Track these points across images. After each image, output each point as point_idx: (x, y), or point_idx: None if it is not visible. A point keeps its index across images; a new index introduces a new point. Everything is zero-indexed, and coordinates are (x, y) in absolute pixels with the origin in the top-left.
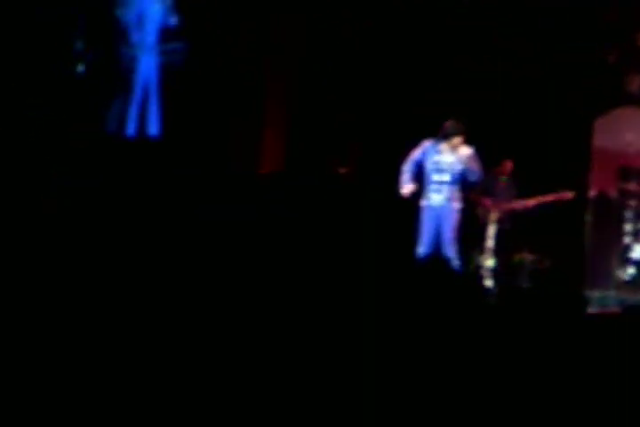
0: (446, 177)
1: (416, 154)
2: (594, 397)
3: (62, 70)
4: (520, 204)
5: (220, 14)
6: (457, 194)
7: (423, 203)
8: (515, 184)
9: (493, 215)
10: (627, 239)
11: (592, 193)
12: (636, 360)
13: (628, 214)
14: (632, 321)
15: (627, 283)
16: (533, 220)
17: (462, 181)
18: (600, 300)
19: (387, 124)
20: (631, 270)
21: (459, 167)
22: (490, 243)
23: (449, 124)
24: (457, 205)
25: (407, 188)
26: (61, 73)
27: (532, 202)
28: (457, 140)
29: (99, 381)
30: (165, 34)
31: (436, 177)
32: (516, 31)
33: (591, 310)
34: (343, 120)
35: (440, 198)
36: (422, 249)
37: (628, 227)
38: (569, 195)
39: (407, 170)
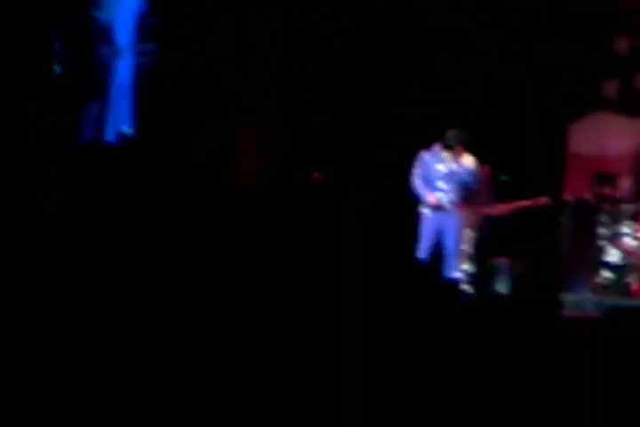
0: (450, 185)
1: (418, 168)
2: (570, 397)
3: (40, 71)
4: (496, 209)
5: (196, 15)
6: (461, 203)
7: (424, 211)
8: (491, 189)
9: (470, 220)
10: (602, 243)
11: (568, 198)
12: (613, 363)
13: (604, 218)
14: (610, 324)
15: (603, 286)
16: (509, 225)
17: (465, 189)
18: (576, 303)
19: (366, 125)
20: (607, 274)
21: (463, 175)
22: (466, 248)
23: (452, 133)
24: (461, 214)
25: (433, 196)
26: (39, 74)
27: (508, 207)
28: (459, 148)
29: (91, 380)
30: (141, 35)
31: (440, 185)
32: (494, 32)
33: (568, 313)
34: (322, 121)
35: (444, 207)
36: (421, 256)
37: (603, 231)
38: (545, 200)
39: (420, 185)
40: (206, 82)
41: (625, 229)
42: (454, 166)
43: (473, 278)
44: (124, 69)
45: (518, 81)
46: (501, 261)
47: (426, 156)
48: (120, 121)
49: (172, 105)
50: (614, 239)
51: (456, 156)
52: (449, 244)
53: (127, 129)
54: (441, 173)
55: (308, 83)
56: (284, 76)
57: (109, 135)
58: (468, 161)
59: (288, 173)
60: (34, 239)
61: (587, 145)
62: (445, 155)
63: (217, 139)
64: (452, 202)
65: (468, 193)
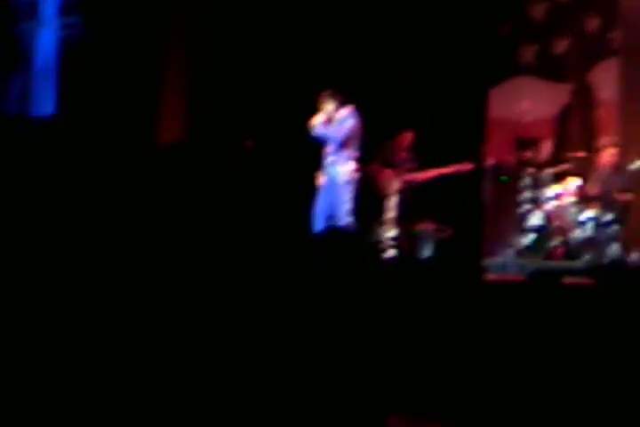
0: (332, 147)
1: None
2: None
3: None
4: (420, 175)
5: None
6: (347, 163)
7: (320, 178)
8: (414, 155)
9: (394, 186)
10: (525, 207)
11: (490, 163)
12: (536, 324)
13: (526, 182)
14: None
15: (526, 249)
16: (433, 190)
17: (341, 148)
18: (500, 266)
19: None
20: (530, 237)
21: (340, 134)
22: (391, 214)
23: (324, 95)
24: (349, 175)
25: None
26: None
27: (431, 173)
28: (327, 107)
29: (86, 380)
30: (65, 8)
31: (327, 149)
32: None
33: (491, 276)
34: (248, 88)
35: (333, 171)
36: (319, 224)
37: (526, 195)
38: (467, 166)
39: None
40: (126, 53)
41: (547, 193)
42: (332, 127)
43: (397, 243)
44: (47, 43)
45: (434, 51)
46: (425, 227)
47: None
48: (44, 94)
49: (96, 75)
50: (537, 203)
51: (333, 117)
52: (340, 204)
53: (51, 102)
54: (325, 137)
55: (231, 48)
56: (207, 43)
57: (33, 109)
58: (341, 115)
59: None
60: None
61: (507, 110)
62: (322, 118)
63: (139, 110)
64: (339, 165)
65: (348, 149)
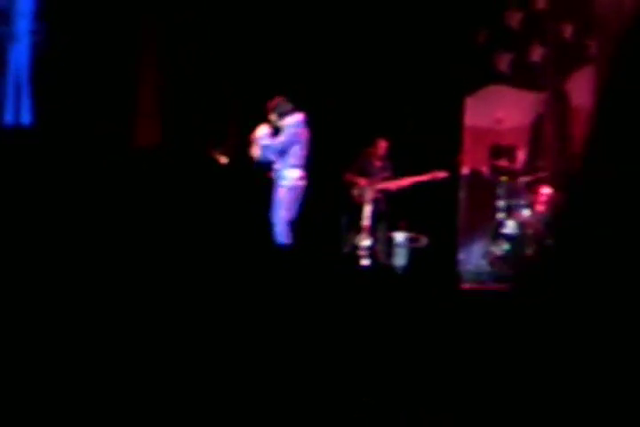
0: (276, 155)
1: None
2: (468, 368)
3: None
4: (395, 183)
5: None
6: (291, 171)
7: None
8: (389, 163)
9: (369, 195)
10: (500, 215)
11: (465, 171)
12: (511, 333)
13: (501, 191)
14: (507, 295)
15: (500, 258)
16: (408, 199)
17: (287, 156)
18: (474, 275)
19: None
20: (505, 246)
21: (282, 140)
22: (366, 222)
23: (278, 102)
24: (296, 182)
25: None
26: None
27: (406, 182)
28: (274, 117)
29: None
30: (36, 14)
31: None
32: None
33: (466, 285)
34: (220, 98)
35: (283, 180)
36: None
37: (500, 203)
38: (442, 174)
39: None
40: (98, 60)
41: (521, 201)
42: (282, 136)
43: (372, 252)
44: (20, 52)
45: (412, 55)
46: (400, 235)
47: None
48: (20, 103)
49: (70, 82)
50: (511, 211)
51: (279, 125)
52: (282, 211)
53: (27, 111)
54: (273, 149)
55: (203, 59)
56: (180, 52)
57: (9, 118)
58: (292, 125)
59: (186, 152)
60: None
61: (482, 118)
62: (270, 128)
63: (117, 104)
64: (288, 174)
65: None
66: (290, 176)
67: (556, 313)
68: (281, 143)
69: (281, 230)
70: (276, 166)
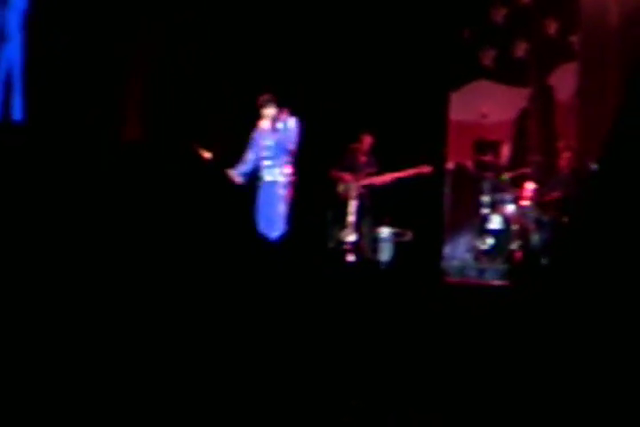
0: (268, 153)
1: (249, 150)
2: (452, 361)
3: None
4: (380, 179)
5: None
6: (281, 168)
7: (259, 182)
8: (374, 159)
9: (354, 190)
10: (484, 210)
11: (450, 166)
12: (496, 327)
13: (486, 186)
14: (493, 290)
15: (485, 252)
16: (393, 194)
17: (280, 153)
18: (459, 270)
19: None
20: (489, 240)
21: (276, 141)
22: (351, 218)
23: (261, 99)
24: (283, 179)
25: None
26: None
27: (391, 177)
28: (269, 112)
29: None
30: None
31: (263, 154)
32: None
33: (451, 279)
34: (208, 87)
35: (268, 176)
36: (263, 229)
37: (485, 198)
38: (427, 169)
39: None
40: (85, 57)
41: (506, 196)
42: (270, 133)
43: (357, 247)
44: (11, 48)
45: (397, 51)
46: (385, 230)
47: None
48: (10, 99)
49: (58, 78)
50: (496, 206)
51: (272, 121)
52: (272, 208)
53: (18, 107)
54: (262, 142)
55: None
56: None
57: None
58: (287, 124)
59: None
60: None
61: (467, 113)
62: (264, 123)
63: (103, 99)
64: (274, 170)
65: (288, 155)
66: (285, 172)
67: (548, 307)
68: (288, 141)
69: (276, 225)
70: (271, 163)
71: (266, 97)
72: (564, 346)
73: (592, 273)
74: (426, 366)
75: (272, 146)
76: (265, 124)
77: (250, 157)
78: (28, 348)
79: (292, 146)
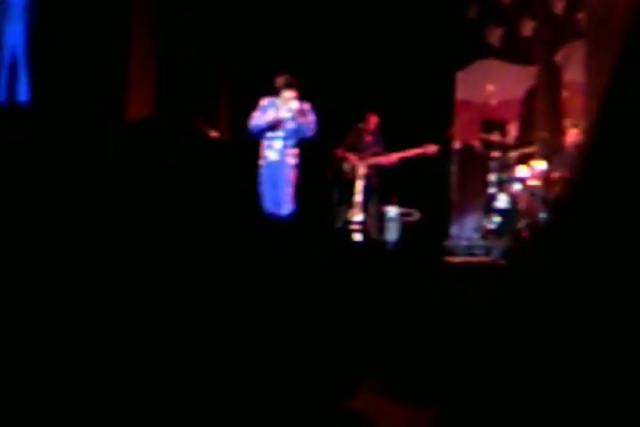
0: (279, 133)
1: (256, 115)
2: (452, 342)
3: None
4: (386, 158)
5: None
6: (291, 150)
7: (261, 162)
8: (380, 138)
9: (360, 170)
10: (491, 189)
11: (456, 145)
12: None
13: (493, 165)
14: (498, 268)
15: (492, 231)
16: (400, 173)
17: (296, 137)
18: (467, 249)
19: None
20: (496, 219)
21: (291, 122)
22: (358, 198)
23: (280, 79)
24: (291, 160)
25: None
26: None
27: (397, 156)
28: (289, 94)
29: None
30: None
31: (269, 133)
32: None
33: (457, 258)
34: (212, 72)
35: (274, 155)
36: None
37: (492, 177)
38: (433, 148)
39: (257, 126)
40: (90, 34)
41: (513, 175)
42: (285, 113)
43: (363, 227)
44: (16, 29)
45: (402, 30)
46: (392, 210)
47: (265, 103)
48: (15, 80)
49: (64, 57)
50: (503, 185)
51: (286, 102)
52: (280, 189)
53: (24, 93)
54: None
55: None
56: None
57: (6, 96)
58: (295, 107)
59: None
60: None
61: (473, 92)
62: (279, 101)
63: (110, 77)
64: (282, 150)
65: (299, 139)
66: (294, 154)
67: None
68: (310, 127)
69: (286, 205)
70: (277, 143)
71: (285, 78)
72: (566, 327)
73: (590, 251)
74: (430, 347)
75: (291, 130)
76: (292, 107)
77: (270, 116)
78: (28, 347)
79: (311, 133)
